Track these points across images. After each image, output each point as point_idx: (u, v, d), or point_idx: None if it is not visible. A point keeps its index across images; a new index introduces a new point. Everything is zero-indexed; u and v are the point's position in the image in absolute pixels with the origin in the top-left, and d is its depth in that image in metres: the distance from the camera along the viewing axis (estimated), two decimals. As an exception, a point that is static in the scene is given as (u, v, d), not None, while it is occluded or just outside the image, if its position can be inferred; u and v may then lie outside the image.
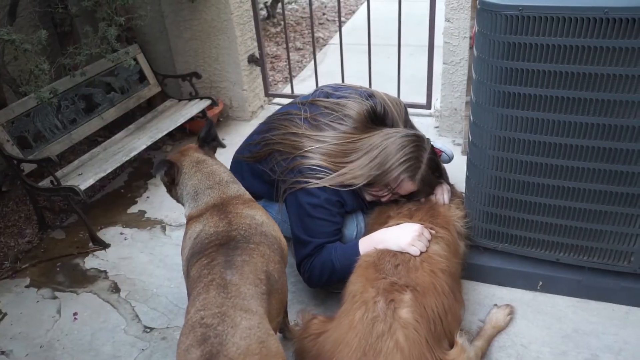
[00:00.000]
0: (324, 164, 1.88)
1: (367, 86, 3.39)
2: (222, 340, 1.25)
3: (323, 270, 1.87)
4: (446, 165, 2.57)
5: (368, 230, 1.98)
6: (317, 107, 2.04)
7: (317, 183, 1.85)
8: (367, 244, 1.82)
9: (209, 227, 1.58)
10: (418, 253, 1.72)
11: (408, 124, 2.19)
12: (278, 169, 1.94)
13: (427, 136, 2.04)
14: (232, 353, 1.23)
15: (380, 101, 2.05)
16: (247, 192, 1.75)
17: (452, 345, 1.64)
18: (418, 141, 1.89)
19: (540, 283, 2.03)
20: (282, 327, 1.88)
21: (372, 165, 1.85)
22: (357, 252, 1.81)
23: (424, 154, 1.88)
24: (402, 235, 1.76)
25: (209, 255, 1.49)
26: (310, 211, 1.86)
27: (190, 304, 1.39)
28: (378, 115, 2.01)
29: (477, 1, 1.65)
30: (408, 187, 1.89)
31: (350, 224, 2.00)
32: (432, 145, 1.95)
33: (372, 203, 2.02)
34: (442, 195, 2.00)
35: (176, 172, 1.73)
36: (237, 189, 1.72)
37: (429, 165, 1.89)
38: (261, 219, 1.63)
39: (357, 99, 2.02)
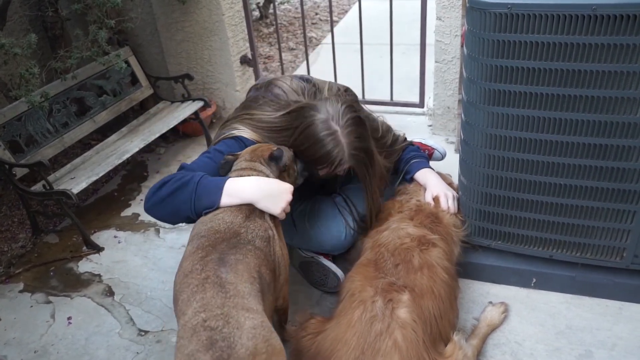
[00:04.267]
0: (249, 136, 1.86)
1: (360, 86, 3.40)
2: (230, 344, 1.22)
3: (174, 183, 1.64)
4: (439, 163, 2.60)
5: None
6: (254, 89, 2.07)
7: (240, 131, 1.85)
8: (235, 192, 1.61)
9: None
10: (284, 216, 1.66)
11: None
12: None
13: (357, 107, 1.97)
14: (242, 355, 1.22)
15: (312, 83, 2.02)
16: None
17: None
18: (328, 124, 1.75)
19: (534, 280, 2.04)
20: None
21: (297, 145, 1.82)
22: (219, 191, 1.60)
23: (337, 134, 1.74)
24: (275, 202, 1.62)
25: (205, 249, 1.47)
26: (208, 150, 1.84)
27: (186, 304, 1.35)
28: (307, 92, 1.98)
29: (467, -1, 1.66)
30: (344, 168, 1.81)
31: (336, 224, 2.00)
32: (356, 117, 1.79)
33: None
34: (453, 202, 1.99)
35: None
36: None
37: (353, 139, 1.76)
38: (273, 233, 1.63)
39: (291, 79, 2.01)
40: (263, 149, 1.74)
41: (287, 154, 1.77)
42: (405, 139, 2.29)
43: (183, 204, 1.62)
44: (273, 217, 1.66)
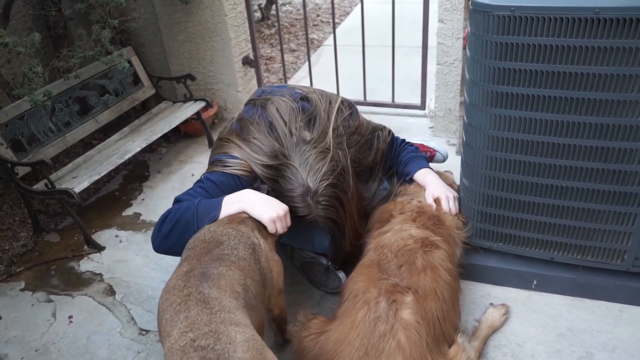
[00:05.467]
0: (241, 173, 1.87)
1: (362, 87, 3.42)
2: None
3: (175, 213, 1.72)
4: (441, 165, 2.60)
5: (369, 228, 1.98)
6: (251, 107, 2.03)
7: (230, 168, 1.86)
8: (232, 201, 1.73)
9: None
10: (275, 232, 1.73)
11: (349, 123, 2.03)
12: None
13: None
14: None
15: (309, 107, 1.96)
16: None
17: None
18: (304, 198, 1.78)
19: (535, 282, 2.04)
20: (278, 340, 1.89)
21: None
22: (219, 205, 1.71)
23: (311, 207, 1.78)
24: (268, 210, 1.71)
25: (190, 262, 1.47)
26: (200, 179, 1.87)
27: (170, 325, 1.29)
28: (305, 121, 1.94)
29: (470, 2, 1.67)
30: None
31: (322, 236, 1.97)
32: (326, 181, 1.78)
33: None
34: (454, 203, 1.99)
35: None
36: None
37: (325, 213, 1.80)
38: (258, 242, 1.64)
39: (287, 102, 1.95)
40: None
41: None
42: (404, 140, 2.29)
43: (187, 228, 1.69)
44: (265, 232, 1.70)
